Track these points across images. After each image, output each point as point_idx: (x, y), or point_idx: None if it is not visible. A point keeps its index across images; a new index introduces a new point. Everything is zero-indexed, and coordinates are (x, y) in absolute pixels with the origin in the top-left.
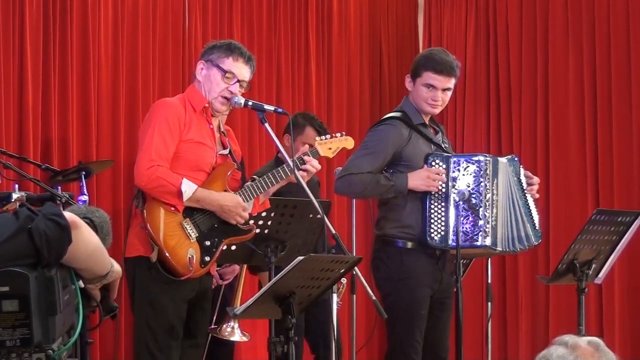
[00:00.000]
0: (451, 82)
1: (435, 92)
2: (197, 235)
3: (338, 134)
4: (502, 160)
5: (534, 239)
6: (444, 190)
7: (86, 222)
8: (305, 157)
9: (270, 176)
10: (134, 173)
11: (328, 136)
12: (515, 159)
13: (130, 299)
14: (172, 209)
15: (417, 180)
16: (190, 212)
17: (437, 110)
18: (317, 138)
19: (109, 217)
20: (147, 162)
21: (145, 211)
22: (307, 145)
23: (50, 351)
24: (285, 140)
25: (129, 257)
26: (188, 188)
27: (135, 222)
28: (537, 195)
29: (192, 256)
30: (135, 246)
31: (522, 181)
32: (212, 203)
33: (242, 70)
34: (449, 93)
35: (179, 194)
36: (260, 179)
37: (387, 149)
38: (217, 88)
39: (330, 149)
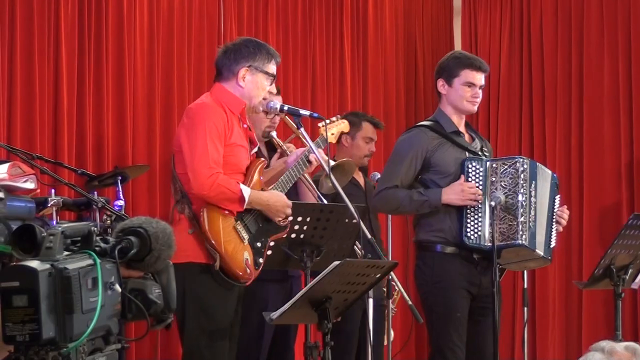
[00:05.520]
0: (484, 79)
1: (475, 89)
2: (248, 237)
3: (334, 118)
4: (542, 166)
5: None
6: (481, 194)
7: (140, 232)
8: (311, 156)
9: (293, 172)
10: (191, 181)
11: (328, 121)
12: (555, 177)
13: (178, 305)
14: (227, 212)
15: (451, 194)
16: (239, 214)
17: (476, 108)
18: (320, 124)
19: (170, 228)
20: (207, 171)
21: (204, 218)
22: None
23: (64, 349)
24: (343, 140)
25: (176, 263)
26: (246, 193)
27: (180, 228)
28: (560, 229)
29: (247, 259)
30: (185, 252)
31: (555, 201)
32: (261, 203)
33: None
34: (482, 90)
35: (240, 200)
36: (282, 178)
37: (416, 154)
38: (262, 92)
39: (332, 134)
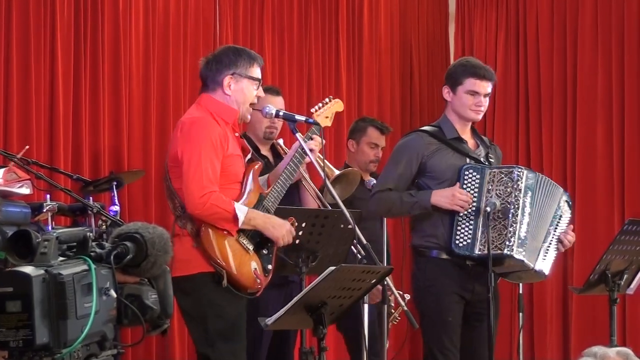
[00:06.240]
0: (490, 87)
1: (478, 98)
2: (253, 246)
3: (326, 100)
4: (552, 182)
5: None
6: (475, 201)
7: (136, 238)
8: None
9: (290, 169)
10: (185, 200)
11: (320, 105)
12: (567, 195)
13: (194, 315)
14: (225, 232)
15: (441, 197)
16: None
17: (480, 117)
18: (312, 110)
19: (167, 234)
20: (199, 190)
21: (205, 235)
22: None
23: (58, 355)
24: (349, 145)
25: (188, 275)
26: (240, 212)
27: (184, 242)
28: (562, 248)
29: (256, 268)
30: (192, 263)
31: (562, 219)
32: (258, 223)
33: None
34: (488, 99)
35: (234, 219)
36: (280, 177)
37: (411, 158)
38: (249, 98)
39: (327, 117)
